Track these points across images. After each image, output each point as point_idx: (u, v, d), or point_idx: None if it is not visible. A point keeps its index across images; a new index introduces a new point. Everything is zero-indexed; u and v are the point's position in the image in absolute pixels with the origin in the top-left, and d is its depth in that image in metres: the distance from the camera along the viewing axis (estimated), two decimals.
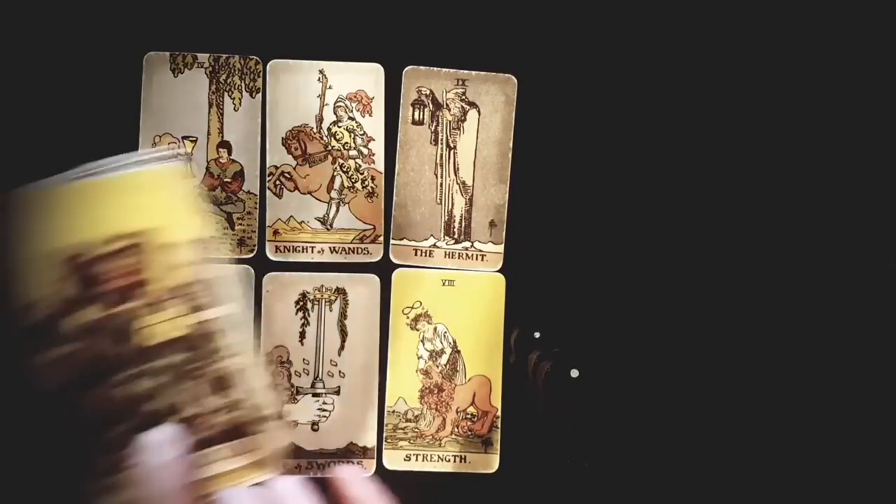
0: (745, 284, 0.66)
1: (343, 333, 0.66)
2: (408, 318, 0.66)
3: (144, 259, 0.37)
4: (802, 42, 0.66)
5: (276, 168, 0.65)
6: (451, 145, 0.67)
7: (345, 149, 0.66)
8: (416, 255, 0.67)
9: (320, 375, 0.66)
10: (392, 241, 0.66)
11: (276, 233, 0.65)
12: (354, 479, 0.38)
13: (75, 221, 0.37)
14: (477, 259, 0.67)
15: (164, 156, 0.39)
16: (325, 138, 0.66)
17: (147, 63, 0.64)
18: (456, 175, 0.67)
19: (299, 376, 0.66)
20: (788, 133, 0.66)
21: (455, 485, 0.67)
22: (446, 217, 0.67)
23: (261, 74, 0.65)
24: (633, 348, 0.66)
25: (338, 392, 0.66)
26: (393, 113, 0.66)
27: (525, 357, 0.66)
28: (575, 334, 0.66)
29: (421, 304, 0.67)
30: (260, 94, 0.65)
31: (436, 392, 0.67)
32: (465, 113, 0.67)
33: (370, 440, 0.66)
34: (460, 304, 0.67)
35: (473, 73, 0.66)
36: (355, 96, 0.66)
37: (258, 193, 0.65)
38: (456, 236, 0.67)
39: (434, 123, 0.66)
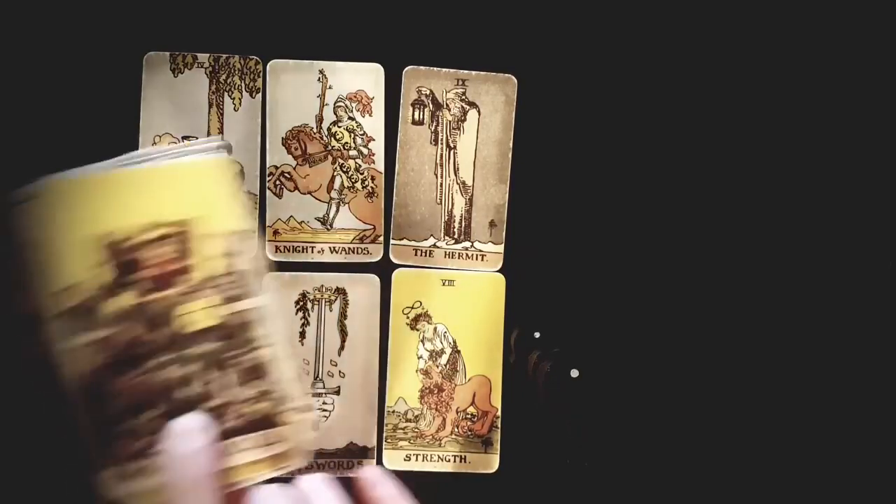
0: (745, 284, 0.66)
1: (343, 333, 0.66)
2: (408, 318, 0.66)
3: (183, 248, 0.38)
4: (802, 42, 0.66)
5: (276, 168, 0.65)
6: (451, 145, 0.67)
7: (345, 149, 0.66)
8: (416, 255, 0.67)
9: (320, 375, 0.66)
10: (392, 241, 0.66)
11: (276, 233, 0.65)
12: (379, 479, 0.38)
13: (117, 208, 0.38)
14: (477, 259, 0.67)
15: (208, 147, 0.39)
16: (325, 138, 0.66)
17: (147, 63, 0.64)
18: (456, 175, 0.67)
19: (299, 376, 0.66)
20: (788, 133, 0.66)
21: (455, 485, 0.67)
22: (446, 217, 0.67)
23: (261, 74, 0.65)
24: (634, 348, 0.66)
25: (338, 392, 0.66)
26: (393, 113, 0.66)
27: (525, 357, 0.66)
28: (575, 334, 0.66)
29: (421, 304, 0.66)
30: (260, 94, 0.65)
31: (436, 392, 0.67)
32: (465, 113, 0.67)
33: (370, 440, 0.66)
34: (460, 304, 0.67)
35: (473, 73, 0.66)
36: (355, 96, 0.66)
37: (258, 193, 0.65)
38: (456, 236, 0.67)
39: (434, 123, 0.66)
